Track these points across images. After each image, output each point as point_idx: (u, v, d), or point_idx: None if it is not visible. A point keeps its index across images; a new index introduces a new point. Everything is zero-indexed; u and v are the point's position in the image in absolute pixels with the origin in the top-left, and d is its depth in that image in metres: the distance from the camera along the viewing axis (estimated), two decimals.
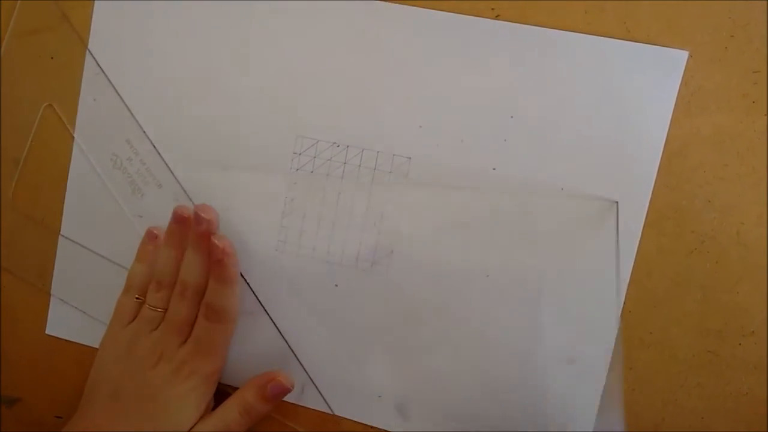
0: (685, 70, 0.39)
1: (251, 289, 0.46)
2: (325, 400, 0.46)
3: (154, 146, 0.46)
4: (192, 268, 0.44)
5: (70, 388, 0.50)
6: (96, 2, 0.46)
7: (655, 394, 0.42)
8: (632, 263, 0.41)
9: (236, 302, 0.44)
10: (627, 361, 0.42)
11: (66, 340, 0.50)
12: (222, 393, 0.45)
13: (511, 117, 0.42)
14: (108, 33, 0.46)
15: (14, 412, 0.51)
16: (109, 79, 0.46)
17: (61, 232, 0.48)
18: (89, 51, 0.46)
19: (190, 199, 0.46)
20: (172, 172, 0.46)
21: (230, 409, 0.44)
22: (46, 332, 0.50)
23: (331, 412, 0.46)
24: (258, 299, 0.46)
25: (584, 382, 0.42)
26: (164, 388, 0.43)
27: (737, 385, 0.41)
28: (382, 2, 0.42)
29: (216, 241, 0.43)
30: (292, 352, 0.46)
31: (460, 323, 0.43)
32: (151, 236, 0.46)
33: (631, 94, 0.40)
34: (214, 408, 0.44)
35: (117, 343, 0.45)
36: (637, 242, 0.41)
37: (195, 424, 0.43)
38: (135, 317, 0.46)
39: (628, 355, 0.42)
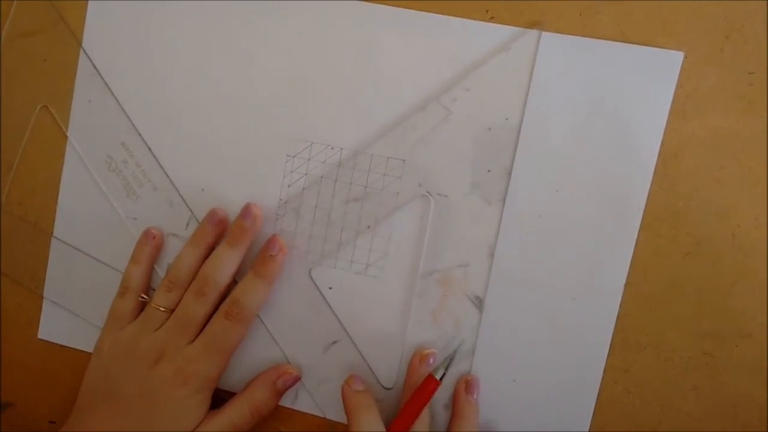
0: (680, 72, 0.39)
1: None
2: (317, 404, 0.45)
3: (150, 149, 0.46)
4: (221, 265, 0.43)
5: (64, 392, 0.50)
6: (90, 3, 0.46)
7: (652, 397, 0.41)
8: (628, 265, 0.41)
9: (262, 305, 0.44)
10: (623, 364, 0.42)
11: (59, 345, 0.49)
12: (214, 397, 0.44)
13: (506, 119, 0.42)
14: (102, 34, 0.46)
15: (6, 417, 0.51)
16: (104, 80, 0.46)
17: (54, 234, 0.48)
18: (84, 51, 0.46)
19: (185, 202, 0.46)
20: (167, 174, 0.46)
21: (239, 408, 0.43)
22: (39, 336, 0.50)
23: (323, 416, 0.45)
24: None
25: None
26: (163, 390, 0.42)
27: (734, 388, 0.41)
28: (377, 4, 0.42)
29: (278, 237, 0.43)
30: (285, 355, 0.45)
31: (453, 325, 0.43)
32: (148, 237, 0.46)
33: (627, 96, 0.40)
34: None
35: (115, 344, 0.45)
36: (633, 244, 0.41)
37: (199, 425, 0.43)
38: (132, 319, 0.45)
39: (624, 358, 0.41)
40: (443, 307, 0.43)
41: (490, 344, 0.43)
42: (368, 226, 0.44)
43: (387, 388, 0.44)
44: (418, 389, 0.41)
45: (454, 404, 0.43)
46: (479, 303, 0.43)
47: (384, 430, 0.41)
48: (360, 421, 0.41)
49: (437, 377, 0.41)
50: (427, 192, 0.43)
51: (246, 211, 0.44)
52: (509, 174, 0.42)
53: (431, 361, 0.43)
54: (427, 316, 0.43)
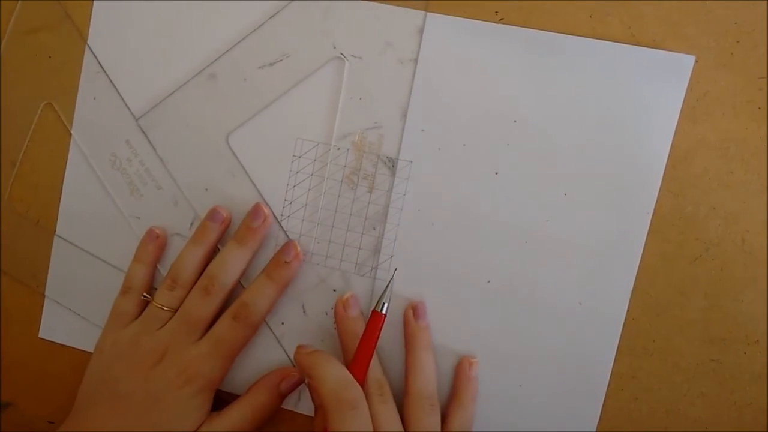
0: (690, 76, 0.39)
1: None
2: None
3: (154, 147, 0.46)
4: (228, 264, 0.43)
5: (63, 392, 0.49)
6: (95, 2, 0.46)
7: (659, 403, 0.41)
8: (636, 270, 0.41)
9: (271, 309, 0.44)
10: (630, 370, 0.41)
11: (60, 344, 0.49)
12: (217, 399, 0.44)
13: (514, 121, 0.41)
14: (108, 31, 0.46)
15: (5, 417, 0.50)
16: (109, 78, 0.46)
17: (56, 233, 0.48)
18: (90, 49, 0.46)
19: (189, 202, 0.46)
20: (171, 174, 0.46)
21: (241, 410, 0.43)
22: (40, 336, 0.49)
23: None
24: None
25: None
26: (164, 390, 0.42)
27: (741, 395, 0.40)
28: (388, 6, 0.42)
29: (296, 243, 0.43)
30: (288, 358, 0.45)
31: (460, 329, 0.43)
32: (152, 236, 0.46)
33: (637, 99, 0.40)
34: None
35: (116, 343, 0.44)
36: (641, 249, 0.41)
37: (200, 426, 0.42)
38: (134, 318, 0.45)
39: (631, 364, 0.41)
40: (358, 170, 0.43)
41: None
42: (374, 228, 0.43)
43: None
44: (366, 330, 0.41)
45: (406, 334, 0.43)
46: (392, 165, 0.43)
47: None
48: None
49: (381, 311, 0.41)
50: (341, 54, 0.43)
51: (256, 210, 0.43)
52: (519, 176, 0.41)
53: (353, 303, 0.43)
54: (340, 180, 0.44)
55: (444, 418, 0.42)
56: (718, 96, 0.39)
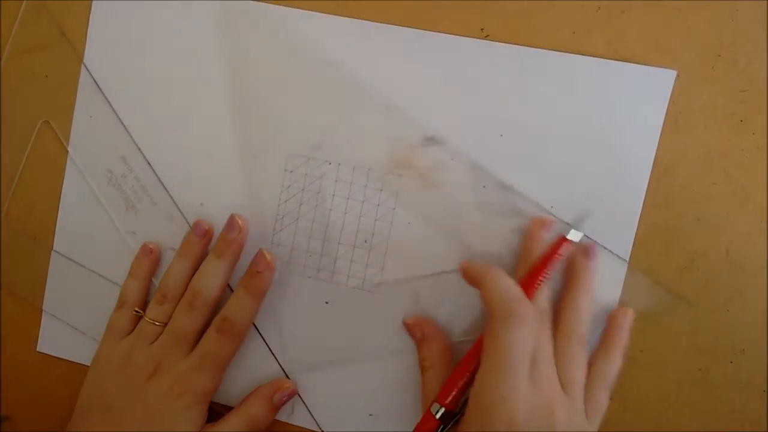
0: (672, 90, 0.40)
1: None
2: (314, 419, 0.45)
3: (149, 163, 0.47)
4: (208, 277, 0.44)
5: (61, 406, 0.49)
6: (91, 20, 0.47)
7: (647, 414, 0.41)
8: (622, 282, 0.41)
9: (252, 320, 0.44)
10: (618, 380, 0.41)
11: (57, 358, 0.50)
12: (211, 411, 0.44)
13: (501, 136, 0.42)
14: (104, 50, 0.47)
15: (3, 431, 0.51)
16: (105, 96, 0.47)
17: (53, 248, 0.48)
18: (86, 67, 0.47)
19: (184, 217, 0.46)
20: (166, 189, 0.47)
21: (235, 422, 0.44)
22: (37, 349, 0.50)
23: (320, 431, 0.45)
24: None
25: None
26: (159, 404, 0.42)
27: (728, 404, 0.41)
28: (377, 24, 0.43)
29: (265, 252, 0.43)
30: (282, 369, 0.45)
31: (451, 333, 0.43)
32: (146, 251, 0.46)
33: (620, 114, 0.41)
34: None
35: (111, 358, 0.45)
36: (627, 261, 0.41)
37: None
38: (129, 333, 0.45)
39: (618, 374, 0.41)
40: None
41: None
42: (365, 241, 0.44)
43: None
44: (547, 252, 0.39)
45: (569, 271, 0.41)
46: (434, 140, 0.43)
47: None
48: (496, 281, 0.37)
49: (572, 238, 0.38)
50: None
51: (231, 222, 0.44)
52: (506, 190, 0.42)
53: (550, 225, 0.41)
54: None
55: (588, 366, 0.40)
56: (700, 109, 0.40)
